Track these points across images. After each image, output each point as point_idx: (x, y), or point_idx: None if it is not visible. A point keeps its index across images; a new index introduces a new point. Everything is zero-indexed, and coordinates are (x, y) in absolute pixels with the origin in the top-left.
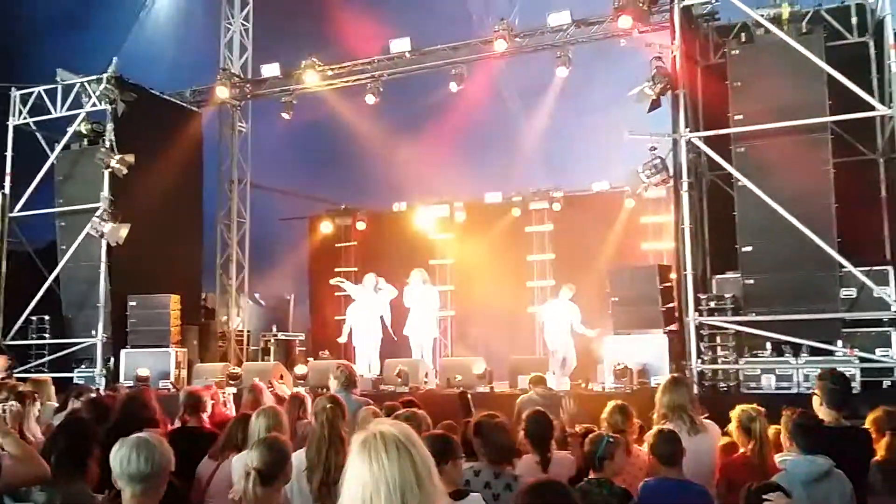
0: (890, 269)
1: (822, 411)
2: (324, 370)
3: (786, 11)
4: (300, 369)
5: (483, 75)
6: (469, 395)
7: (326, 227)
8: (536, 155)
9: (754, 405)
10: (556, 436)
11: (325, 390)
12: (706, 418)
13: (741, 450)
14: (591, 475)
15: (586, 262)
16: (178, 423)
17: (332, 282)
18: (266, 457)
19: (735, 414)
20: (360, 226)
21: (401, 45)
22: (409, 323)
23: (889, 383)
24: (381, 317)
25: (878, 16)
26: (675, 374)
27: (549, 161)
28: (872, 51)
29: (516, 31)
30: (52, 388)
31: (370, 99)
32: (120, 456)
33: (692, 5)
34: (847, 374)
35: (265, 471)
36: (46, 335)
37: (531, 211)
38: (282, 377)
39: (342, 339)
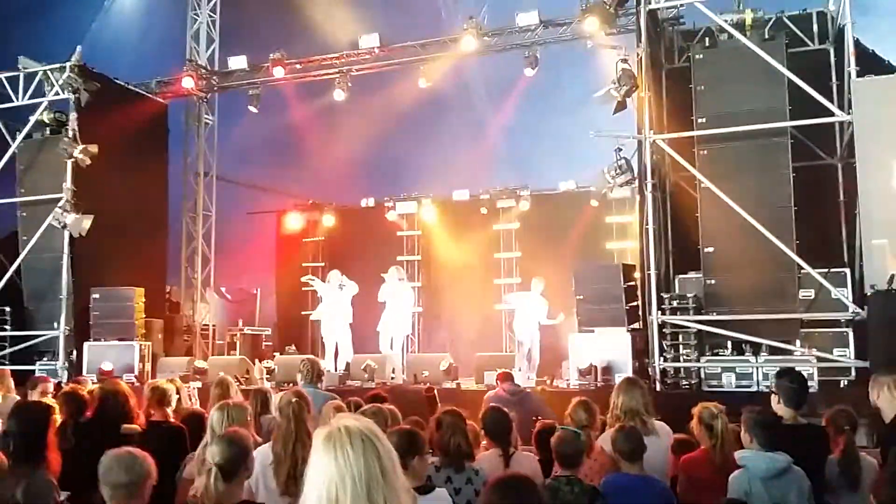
0: (847, 271)
1: (780, 409)
2: (291, 365)
3: (749, 18)
4: (267, 364)
5: (452, 72)
6: (435, 392)
7: (294, 222)
8: (504, 153)
9: (715, 403)
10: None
11: (292, 385)
12: (665, 418)
13: (702, 446)
14: (559, 472)
15: (552, 259)
16: (142, 417)
17: (303, 279)
18: (226, 452)
19: (696, 411)
20: (328, 221)
21: (369, 40)
22: (383, 318)
23: (846, 382)
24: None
25: (839, 24)
26: (630, 376)
27: (516, 160)
28: (833, 58)
29: (485, 30)
30: (11, 381)
31: (339, 94)
32: (104, 466)
33: (658, 9)
34: (805, 373)
35: (226, 466)
36: (7, 327)
37: (499, 209)
38: (247, 372)
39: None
